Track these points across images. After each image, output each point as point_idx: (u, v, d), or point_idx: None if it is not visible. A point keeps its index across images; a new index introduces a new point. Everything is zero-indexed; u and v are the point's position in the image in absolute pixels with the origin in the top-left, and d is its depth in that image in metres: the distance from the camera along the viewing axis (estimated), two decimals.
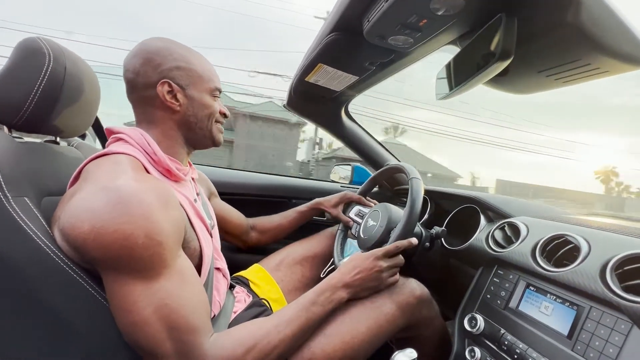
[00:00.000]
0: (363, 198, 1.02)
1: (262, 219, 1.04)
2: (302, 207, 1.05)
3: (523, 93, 0.63)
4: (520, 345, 0.57)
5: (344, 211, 1.01)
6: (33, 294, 0.45)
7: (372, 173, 1.35)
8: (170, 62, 0.58)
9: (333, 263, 0.91)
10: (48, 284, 0.46)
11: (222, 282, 0.72)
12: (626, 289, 0.48)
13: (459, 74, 0.58)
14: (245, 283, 0.86)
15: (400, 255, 0.72)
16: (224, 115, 0.68)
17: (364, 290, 0.67)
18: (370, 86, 0.95)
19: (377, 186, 1.39)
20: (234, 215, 0.96)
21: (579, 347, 0.50)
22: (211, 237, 0.68)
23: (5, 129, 0.56)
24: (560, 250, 0.61)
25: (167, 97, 0.58)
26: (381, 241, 0.77)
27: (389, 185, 1.37)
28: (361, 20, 0.58)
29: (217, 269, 0.71)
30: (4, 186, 0.46)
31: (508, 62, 0.46)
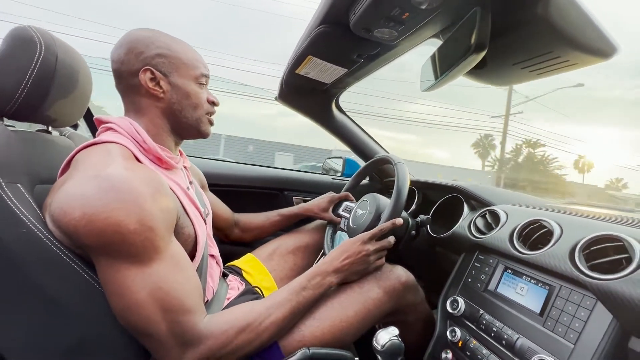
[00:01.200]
0: (349, 194, 1.04)
1: (246, 216, 1.04)
2: (286, 211, 1.04)
3: (501, 85, 0.66)
4: (497, 324, 0.60)
5: (333, 210, 1.02)
6: (27, 278, 0.46)
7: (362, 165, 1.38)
8: (152, 49, 0.59)
9: (324, 254, 0.93)
10: (41, 268, 0.47)
11: (215, 268, 0.74)
12: (592, 268, 0.52)
13: (442, 66, 0.60)
14: (238, 272, 0.88)
15: (388, 238, 0.74)
16: (213, 104, 0.68)
17: (352, 274, 0.69)
18: (359, 79, 0.97)
19: (368, 179, 1.42)
20: (221, 208, 0.97)
21: (549, 323, 0.54)
22: (205, 224, 0.69)
23: None
24: (535, 234, 0.64)
25: (149, 84, 0.59)
26: (371, 227, 0.79)
27: (378, 177, 1.40)
28: (348, 13, 0.60)
29: (211, 255, 0.73)
30: None
31: (483, 54, 0.48)
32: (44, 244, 0.47)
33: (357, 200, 0.99)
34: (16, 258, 0.46)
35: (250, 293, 0.79)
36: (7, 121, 0.58)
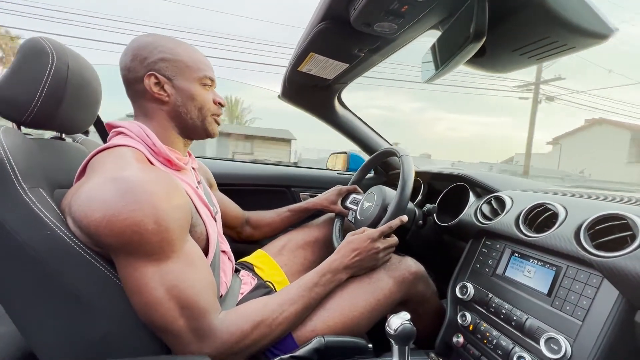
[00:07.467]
0: (357, 187, 1.05)
1: (257, 214, 1.05)
2: (296, 206, 1.06)
3: (502, 72, 0.67)
4: (506, 306, 0.62)
5: (341, 203, 1.04)
6: (53, 278, 0.48)
7: (366, 160, 1.39)
8: (155, 54, 0.60)
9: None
10: (66, 267, 0.49)
11: (227, 264, 0.76)
12: (597, 247, 0.53)
13: (442, 56, 0.61)
14: (249, 268, 0.90)
15: (395, 237, 0.75)
16: (220, 105, 0.69)
17: (361, 269, 0.71)
18: (360, 73, 0.99)
19: (373, 172, 1.43)
20: (231, 207, 0.98)
21: (557, 303, 0.55)
22: (215, 222, 0.72)
23: (14, 126, 0.59)
24: (540, 217, 0.65)
25: (154, 88, 0.60)
26: (378, 219, 0.81)
27: (383, 170, 1.41)
28: (348, 8, 0.62)
29: (223, 251, 0.75)
30: (20, 178, 0.49)
31: (482, 42, 0.49)
32: (67, 244, 0.49)
33: (363, 192, 1.01)
34: (42, 259, 0.48)
35: (263, 287, 0.81)
36: (24, 130, 0.61)
